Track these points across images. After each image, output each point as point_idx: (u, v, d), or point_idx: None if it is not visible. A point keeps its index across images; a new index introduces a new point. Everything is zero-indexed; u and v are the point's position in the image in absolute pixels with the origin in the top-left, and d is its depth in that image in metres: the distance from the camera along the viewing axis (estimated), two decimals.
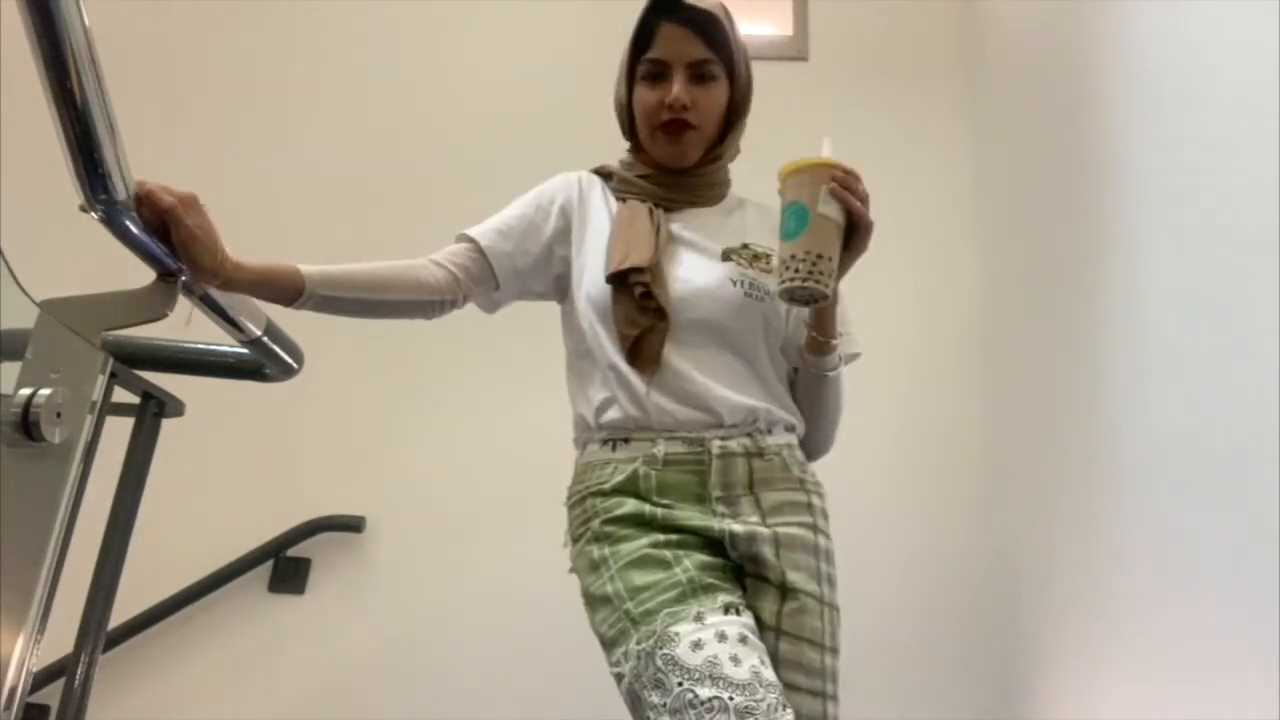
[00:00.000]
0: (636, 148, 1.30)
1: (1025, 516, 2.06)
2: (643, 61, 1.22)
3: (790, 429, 1.20)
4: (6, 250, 0.68)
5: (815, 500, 1.16)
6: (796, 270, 1.02)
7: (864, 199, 1.04)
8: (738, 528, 1.07)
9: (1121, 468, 1.56)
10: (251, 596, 2.18)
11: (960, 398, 2.37)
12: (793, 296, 1.05)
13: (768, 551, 1.07)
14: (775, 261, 1.08)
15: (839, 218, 1.03)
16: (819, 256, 1.02)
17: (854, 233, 1.05)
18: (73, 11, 0.68)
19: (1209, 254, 1.31)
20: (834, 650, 1.09)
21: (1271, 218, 1.13)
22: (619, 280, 1.14)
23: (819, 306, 1.11)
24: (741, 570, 1.09)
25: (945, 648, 2.18)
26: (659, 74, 1.21)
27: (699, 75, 1.21)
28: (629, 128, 1.29)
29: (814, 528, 1.14)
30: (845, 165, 1.04)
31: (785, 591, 1.07)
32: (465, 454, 2.31)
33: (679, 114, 1.19)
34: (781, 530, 1.09)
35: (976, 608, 2.20)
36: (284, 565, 2.20)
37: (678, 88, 1.19)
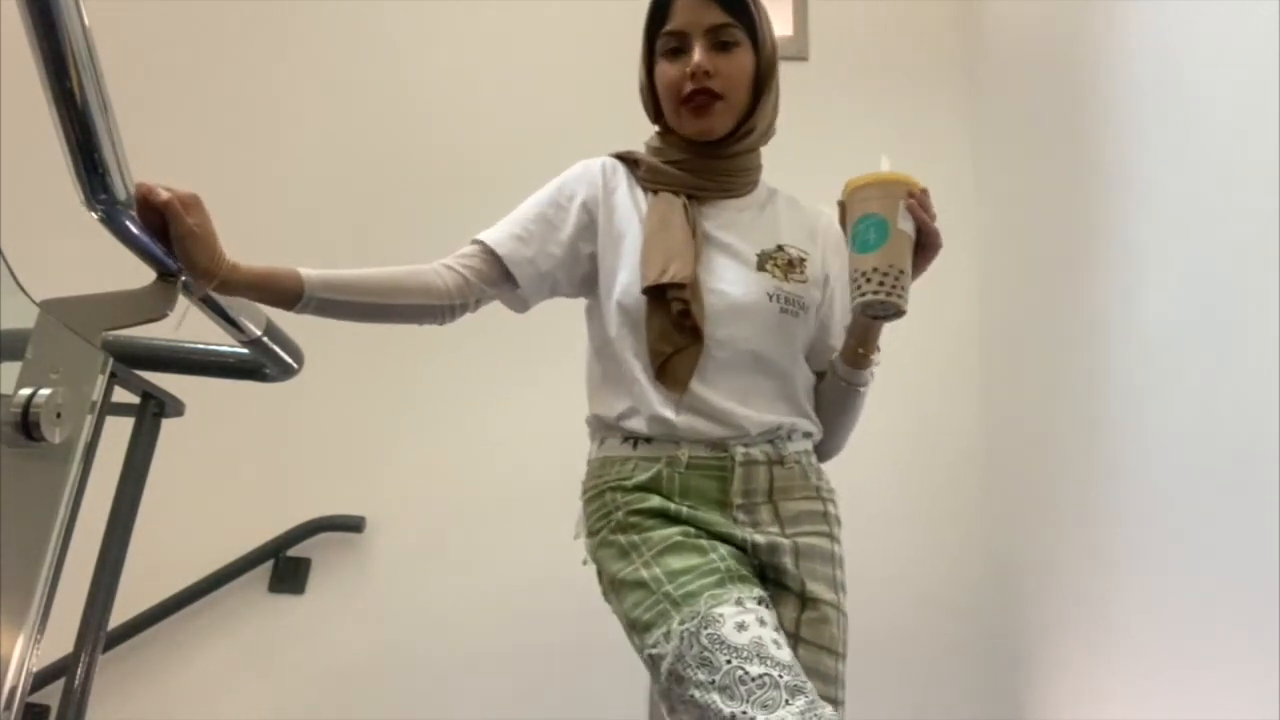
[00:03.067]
0: (665, 130, 1.25)
1: (1025, 517, 2.06)
2: (661, 36, 1.18)
3: (808, 435, 1.19)
4: (6, 250, 0.68)
5: (830, 509, 1.17)
6: (881, 284, 1.01)
7: (934, 218, 1.05)
8: (759, 538, 1.08)
9: (1122, 468, 1.56)
10: (251, 596, 2.18)
11: (960, 399, 2.37)
12: (869, 310, 1.04)
13: (788, 561, 1.08)
14: (849, 272, 1.06)
15: (913, 234, 1.04)
16: (901, 271, 1.02)
17: (923, 252, 1.06)
18: (73, 11, 0.68)
19: (1209, 254, 1.31)
20: (844, 657, 1.10)
21: (1272, 217, 1.13)
22: (656, 293, 1.10)
23: (888, 321, 1.09)
24: (763, 575, 1.09)
25: (945, 649, 2.18)
26: (678, 46, 1.17)
27: (720, 43, 1.16)
28: (654, 109, 1.24)
29: (830, 536, 1.14)
30: (920, 183, 1.05)
31: (805, 600, 1.08)
32: (465, 454, 2.31)
33: (702, 82, 1.14)
34: (801, 540, 1.10)
35: (976, 608, 2.20)
36: (284, 565, 2.19)
37: (699, 55, 1.14)
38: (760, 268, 1.17)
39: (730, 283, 1.15)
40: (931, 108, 2.62)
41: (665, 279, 1.09)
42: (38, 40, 0.68)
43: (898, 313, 1.04)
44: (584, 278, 1.22)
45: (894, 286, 1.01)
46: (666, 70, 1.18)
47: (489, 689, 2.11)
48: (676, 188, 1.21)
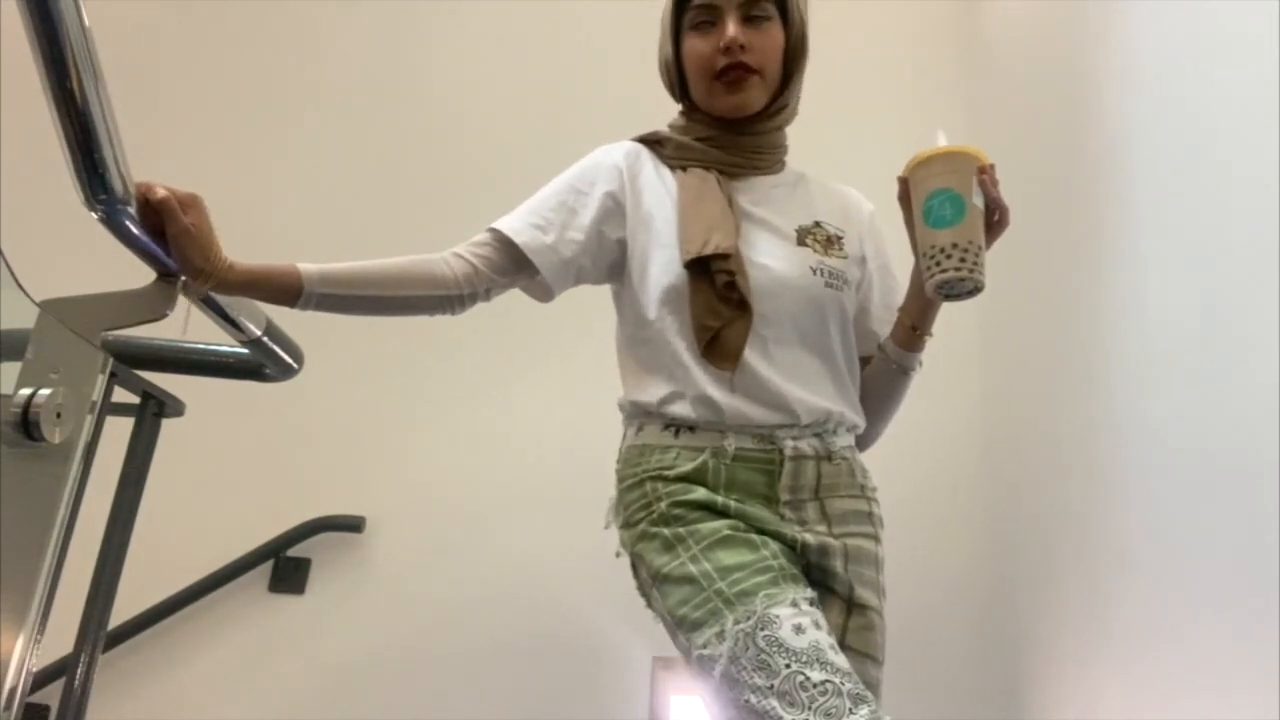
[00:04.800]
0: (691, 109, 1.21)
1: (1025, 517, 2.05)
2: (690, 9, 1.15)
3: (852, 429, 1.16)
4: (6, 250, 0.68)
5: (875, 509, 1.14)
6: (962, 260, 0.97)
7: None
8: (809, 539, 1.04)
9: (1122, 468, 1.56)
10: (251, 596, 2.18)
11: (960, 400, 2.37)
12: (948, 287, 1.00)
13: (837, 565, 1.05)
14: (921, 248, 1.03)
15: (984, 209, 1.02)
16: (979, 248, 0.99)
17: (993, 228, 1.04)
18: (72, 11, 0.68)
19: (1209, 253, 1.31)
20: (883, 663, 1.08)
21: (1271, 218, 1.13)
22: (699, 266, 1.06)
23: (964, 299, 1.06)
24: (808, 575, 1.06)
25: (945, 649, 2.18)
26: (709, 20, 1.14)
27: (751, 16, 1.13)
28: (680, 87, 1.20)
29: (875, 538, 1.12)
30: (987, 157, 1.03)
31: (852, 606, 1.05)
32: (465, 454, 2.31)
33: (737, 56, 1.11)
34: (850, 542, 1.07)
35: (977, 609, 2.20)
36: (284, 565, 2.19)
37: (733, 29, 1.11)
38: (800, 243, 1.14)
39: (772, 257, 1.11)
40: (931, 108, 2.61)
41: (708, 250, 1.05)
42: (38, 40, 0.68)
43: (976, 289, 1.00)
44: (612, 264, 1.18)
45: (974, 263, 0.98)
46: (697, 45, 1.14)
47: (489, 689, 2.11)
48: (706, 163, 1.17)
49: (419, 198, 2.51)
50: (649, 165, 1.20)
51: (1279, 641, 1.09)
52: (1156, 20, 1.50)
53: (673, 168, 1.19)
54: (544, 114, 2.59)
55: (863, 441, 1.22)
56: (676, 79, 1.20)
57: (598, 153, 1.22)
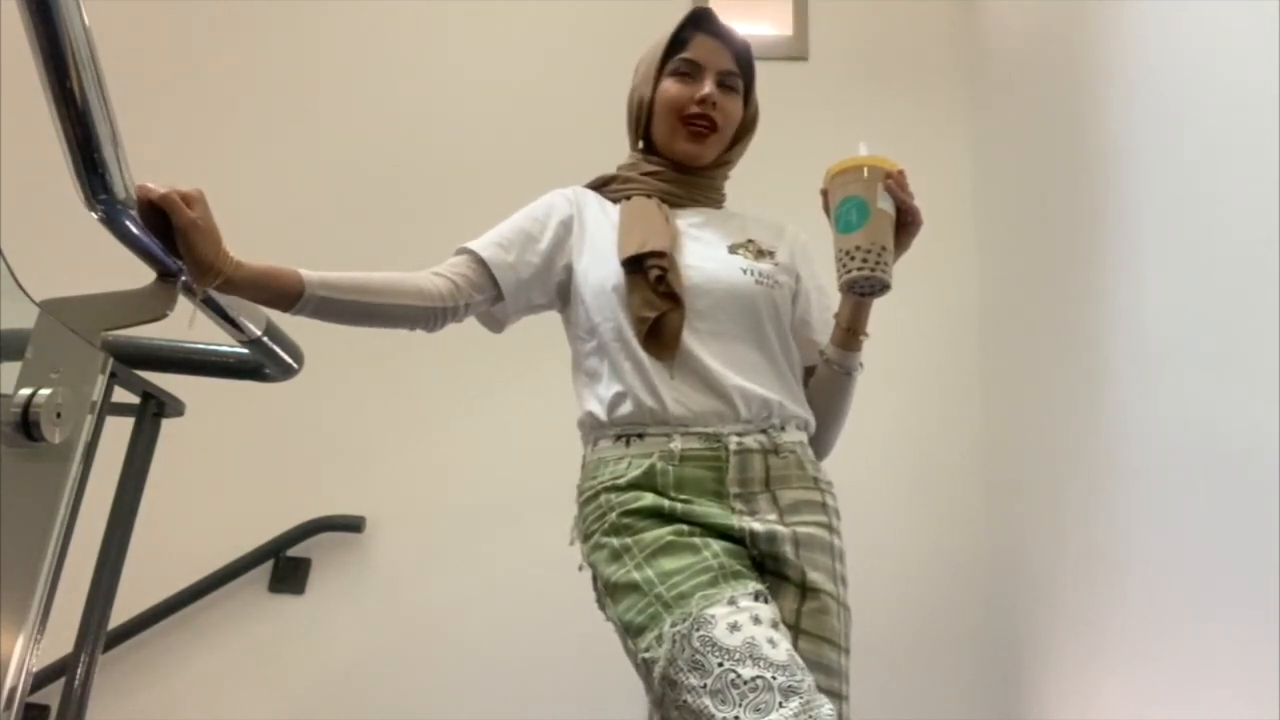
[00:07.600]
0: (648, 149, 1.32)
1: (1025, 517, 2.06)
2: (676, 60, 1.27)
3: (802, 427, 1.20)
4: (6, 250, 0.68)
5: (829, 500, 1.17)
6: (865, 260, 1.05)
7: (912, 197, 1.11)
8: (758, 526, 1.07)
9: (1122, 468, 1.56)
10: (251, 596, 2.18)
11: (960, 398, 2.37)
12: (856, 286, 1.08)
13: (788, 550, 1.08)
14: (835, 254, 1.11)
15: (893, 213, 1.08)
16: (883, 248, 1.06)
17: (904, 230, 1.12)
18: (73, 11, 0.68)
19: (1209, 254, 1.31)
20: (848, 651, 1.10)
21: (1271, 218, 1.13)
22: (635, 265, 1.15)
23: (875, 297, 1.14)
24: (762, 566, 1.09)
25: (946, 648, 2.18)
26: (690, 73, 1.27)
27: (726, 85, 1.27)
28: (644, 127, 1.31)
29: (829, 527, 1.14)
30: (897, 164, 1.10)
31: (805, 590, 1.07)
32: (465, 454, 2.31)
33: (709, 111, 1.24)
34: (800, 529, 1.10)
35: (977, 608, 2.20)
36: (284, 565, 2.19)
37: (710, 87, 1.25)
38: (732, 252, 1.24)
39: (703, 259, 1.21)
40: (931, 107, 2.62)
41: (645, 249, 1.15)
42: (38, 40, 0.68)
43: (883, 287, 1.08)
44: (560, 286, 1.27)
45: (877, 262, 1.05)
46: (674, 89, 1.26)
47: (489, 689, 2.11)
48: (649, 192, 1.28)
49: (416, 203, 2.51)
50: (594, 202, 1.31)
51: (1279, 641, 1.09)
52: (1156, 20, 1.50)
53: (616, 200, 1.30)
54: (540, 121, 2.59)
55: (818, 448, 1.26)
56: (644, 118, 1.31)
57: (548, 195, 1.32)
